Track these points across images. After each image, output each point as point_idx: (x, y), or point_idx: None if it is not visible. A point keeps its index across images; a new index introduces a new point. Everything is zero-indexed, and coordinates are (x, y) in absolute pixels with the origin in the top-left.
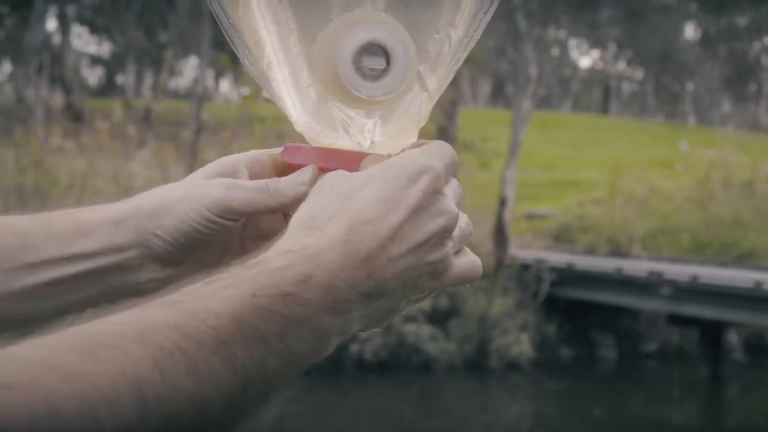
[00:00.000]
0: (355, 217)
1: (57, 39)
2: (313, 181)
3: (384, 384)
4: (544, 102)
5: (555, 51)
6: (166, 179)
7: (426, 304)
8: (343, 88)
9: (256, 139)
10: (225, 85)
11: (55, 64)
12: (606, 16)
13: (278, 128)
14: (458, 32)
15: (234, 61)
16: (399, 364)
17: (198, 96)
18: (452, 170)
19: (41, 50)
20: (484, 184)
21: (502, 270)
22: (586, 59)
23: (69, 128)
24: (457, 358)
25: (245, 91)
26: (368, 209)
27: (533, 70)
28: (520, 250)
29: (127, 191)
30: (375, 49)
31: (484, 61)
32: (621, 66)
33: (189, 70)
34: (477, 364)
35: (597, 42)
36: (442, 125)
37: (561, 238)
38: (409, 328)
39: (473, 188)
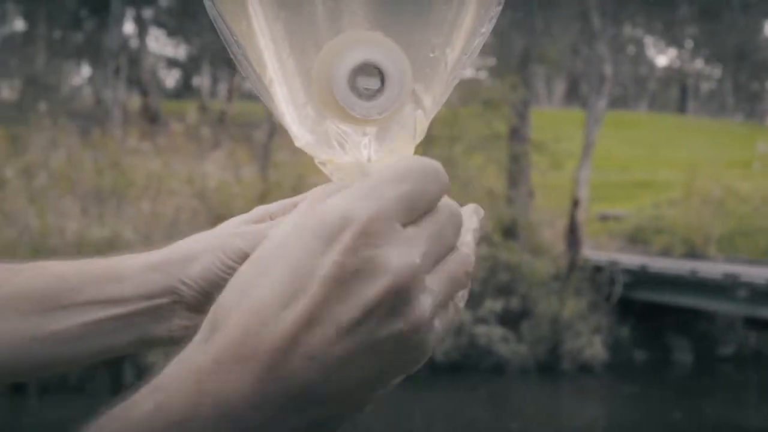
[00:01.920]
0: (252, 314)
1: (134, 42)
2: None
3: (456, 385)
4: (620, 101)
5: (631, 50)
6: (239, 180)
7: (497, 306)
8: (339, 107)
9: None
10: None
11: (132, 67)
12: (683, 13)
13: None
14: (455, 51)
15: None
16: (470, 366)
17: None
18: (417, 200)
19: (119, 53)
20: (558, 185)
21: (575, 271)
22: (662, 57)
23: (145, 130)
24: (529, 360)
25: None
26: (268, 299)
27: (608, 69)
28: (594, 252)
29: (200, 192)
30: (370, 69)
31: (558, 60)
32: (698, 64)
33: None
34: (549, 367)
35: (674, 40)
36: (514, 125)
37: (635, 239)
38: (481, 330)
39: (546, 189)
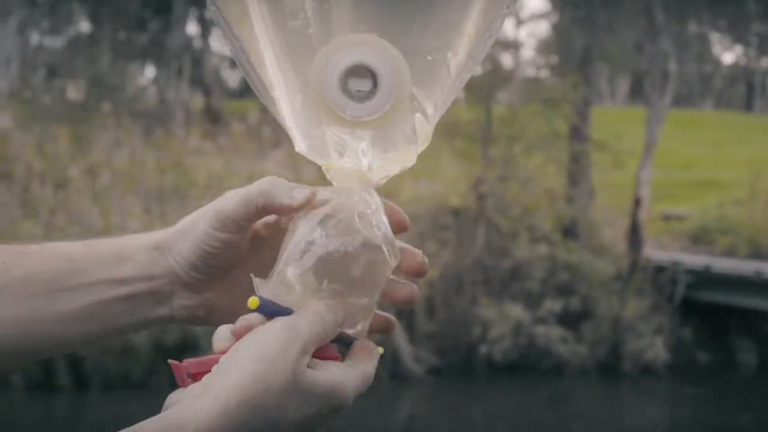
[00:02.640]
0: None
1: (198, 42)
2: (305, 194)
3: (515, 386)
4: (685, 100)
5: (696, 47)
6: (298, 179)
7: (557, 306)
8: (331, 109)
9: None
10: None
11: (195, 67)
12: (749, 10)
13: None
14: (459, 55)
15: None
16: (530, 366)
17: None
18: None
19: (182, 54)
20: (619, 184)
21: (637, 272)
22: (728, 55)
23: (207, 130)
24: (589, 360)
25: None
26: None
27: (672, 67)
28: (656, 252)
29: None
30: (363, 71)
31: (621, 57)
32: (765, 62)
33: None
34: (610, 368)
35: (740, 37)
36: (575, 124)
37: (699, 239)
38: (540, 330)
39: (607, 188)
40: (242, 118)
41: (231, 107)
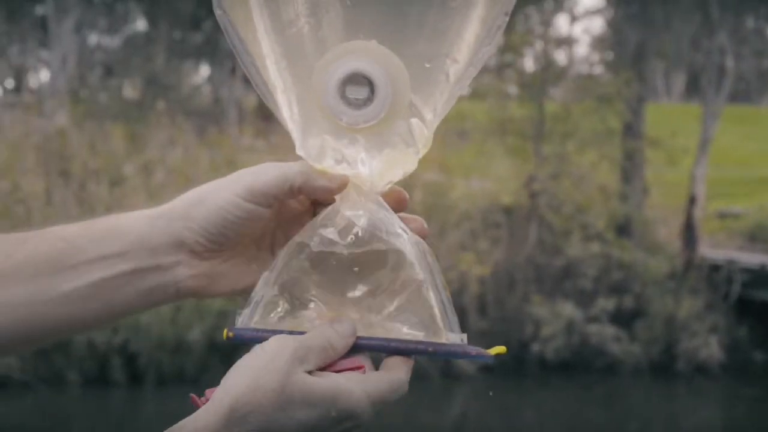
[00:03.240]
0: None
1: None
2: (341, 177)
3: (567, 384)
4: (743, 96)
5: (755, 43)
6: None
7: (610, 305)
8: (329, 115)
9: (438, 138)
10: None
11: None
12: None
13: (461, 127)
14: (458, 62)
15: None
16: (582, 365)
17: None
18: (389, 403)
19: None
20: (674, 182)
21: (691, 270)
22: None
23: (260, 128)
24: (643, 360)
25: None
26: None
27: (729, 63)
28: (711, 250)
29: None
30: (361, 79)
31: (677, 53)
32: None
33: None
34: (663, 367)
35: None
36: (628, 121)
37: (755, 237)
38: (593, 329)
39: (662, 186)
40: None
41: None
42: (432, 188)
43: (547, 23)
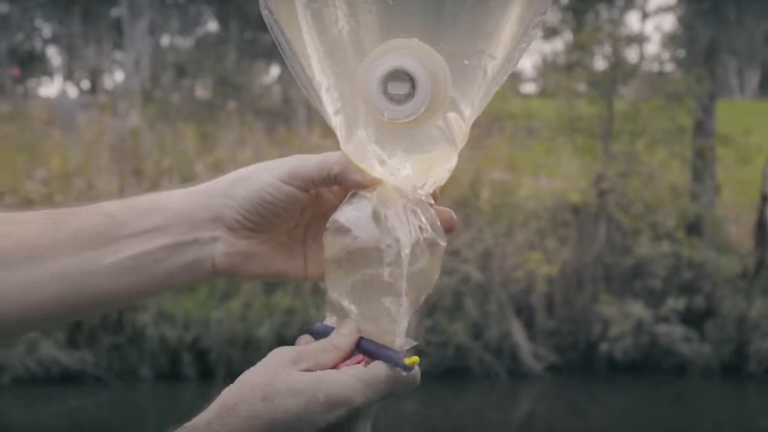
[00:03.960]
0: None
1: None
2: (373, 177)
3: (636, 385)
4: None
5: None
6: None
7: (680, 305)
8: (371, 111)
9: (506, 137)
10: None
11: None
12: None
13: (528, 125)
14: (496, 59)
15: None
16: (651, 365)
17: None
18: (389, 393)
19: None
20: (746, 180)
21: (763, 270)
22: None
23: (328, 127)
24: (713, 360)
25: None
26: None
27: None
28: None
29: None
30: (402, 75)
31: (751, 50)
32: None
33: None
34: (735, 368)
35: None
36: (699, 119)
37: None
38: (662, 329)
39: (733, 184)
40: None
41: None
42: (500, 187)
43: (617, 21)
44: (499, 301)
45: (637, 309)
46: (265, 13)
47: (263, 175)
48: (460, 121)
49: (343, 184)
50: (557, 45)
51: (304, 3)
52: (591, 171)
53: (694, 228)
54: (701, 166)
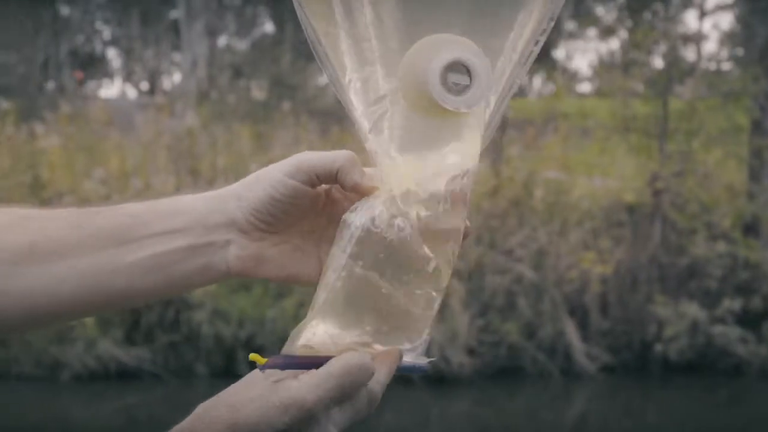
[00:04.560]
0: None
1: None
2: (370, 185)
3: (691, 386)
4: None
5: None
6: None
7: (736, 305)
8: (431, 102)
9: (560, 136)
10: (538, 81)
11: None
12: None
13: (583, 124)
14: (516, 55)
15: (537, 57)
16: (707, 366)
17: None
18: (347, 391)
19: None
20: None
21: None
22: None
23: None
24: None
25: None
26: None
27: None
28: None
29: None
30: (458, 67)
31: None
32: None
33: None
34: None
35: None
36: (756, 118)
37: None
38: (718, 330)
39: None
40: None
41: None
42: (553, 186)
43: (674, 19)
44: (553, 301)
45: (693, 309)
46: (296, 4)
47: (271, 173)
48: (485, 116)
49: (342, 183)
50: (613, 44)
51: None
52: (646, 170)
53: (750, 228)
54: (758, 165)
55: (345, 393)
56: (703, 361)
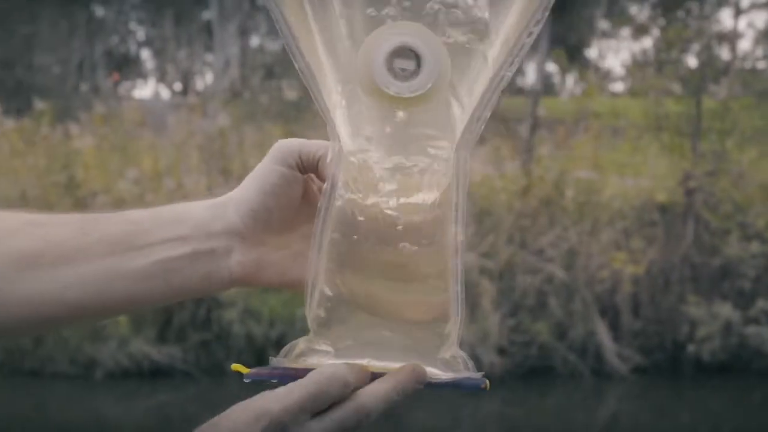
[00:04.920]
0: None
1: None
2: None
3: (724, 386)
4: None
5: None
6: (502, 175)
7: None
8: (376, 87)
9: (591, 135)
10: (571, 80)
11: None
12: None
13: (614, 124)
14: (494, 48)
15: (570, 57)
16: (740, 367)
17: (534, 92)
18: (319, 399)
19: None
20: None
21: None
22: None
23: None
24: None
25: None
26: None
27: None
28: None
29: None
30: (406, 53)
31: None
32: None
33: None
34: None
35: None
36: None
37: None
38: (751, 330)
39: None
40: None
41: None
42: (584, 186)
43: (708, 18)
44: (584, 301)
45: (726, 310)
46: (270, 5)
47: (260, 165)
48: (460, 111)
49: (320, 172)
50: (646, 42)
51: None
52: (678, 170)
53: None
54: None
55: (316, 403)
56: (736, 362)
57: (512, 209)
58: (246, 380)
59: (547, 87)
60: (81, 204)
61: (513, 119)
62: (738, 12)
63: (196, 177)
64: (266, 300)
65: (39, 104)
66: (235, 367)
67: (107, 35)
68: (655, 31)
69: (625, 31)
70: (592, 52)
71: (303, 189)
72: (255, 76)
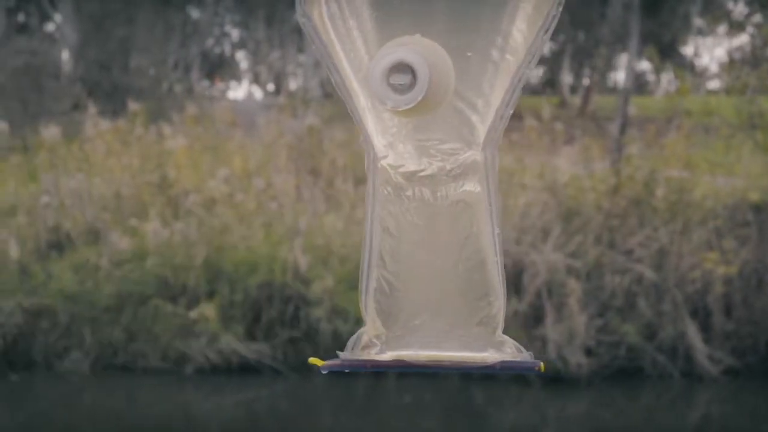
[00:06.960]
0: None
1: None
2: None
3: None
4: None
5: None
6: (590, 174)
7: None
8: (377, 100)
9: (683, 134)
10: (665, 79)
11: None
12: None
13: (707, 122)
14: (505, 52)
15: (663, 55)
16: None
17: (624, 90)
18: None
19: None
20: None
21: None
22: None
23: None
24: None
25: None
26: None
27: None
28: None
29: (551, 186)
30: (405, 68)
31: None
32: None
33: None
34: None
35: None
36: None
37: None
38: None
39: None
40: (535, 114)
41: (525, 103)
42: (675, 185)
43: None
44: (674, 302)
45: None
46: (302, 21)
47: None
48: (476, 115)
49: None
50: (743, 39)
51: (324, 6)
52: None
53: None
54: None
55: None
56: None
57: (601, 209)
58: (323, 371)
59: (641, 86)
60: (173, 203)
61: (603, 118)
62: None
63: (285, 176)
64: (352, 298)
65: (133, 105)
66: (312, 360)
67: (202, 37)
68: (751, 28)
69: (721, 29)
70: (687, 50)
71: None
72: None
